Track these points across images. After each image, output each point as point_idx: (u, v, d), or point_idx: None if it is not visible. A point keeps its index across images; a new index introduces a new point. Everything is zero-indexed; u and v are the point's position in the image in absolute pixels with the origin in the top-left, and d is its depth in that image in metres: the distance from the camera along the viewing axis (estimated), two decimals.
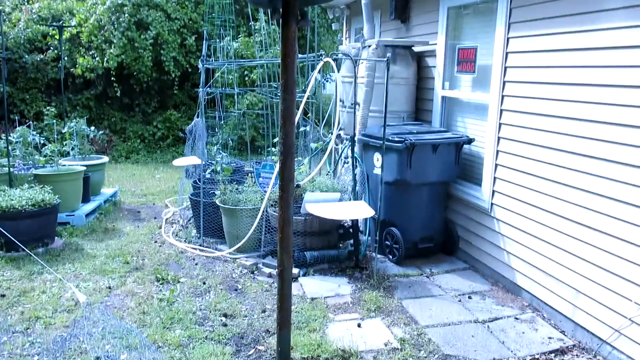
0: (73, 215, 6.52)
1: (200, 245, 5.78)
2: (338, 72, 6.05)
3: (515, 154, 4.60)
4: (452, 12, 5.74)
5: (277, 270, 3.31)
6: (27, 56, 11.46)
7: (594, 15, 3.77)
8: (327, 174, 6.47)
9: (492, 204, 4.94)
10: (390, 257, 5.41)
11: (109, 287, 4.71)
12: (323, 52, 6.05)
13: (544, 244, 4.26)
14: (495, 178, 4.91)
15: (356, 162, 5.53)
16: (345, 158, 6.11)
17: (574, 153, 3.94)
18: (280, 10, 2.17)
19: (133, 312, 4.21)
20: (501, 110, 4.81)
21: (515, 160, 4.61)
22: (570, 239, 3.98)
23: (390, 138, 5.08)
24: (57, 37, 11.50)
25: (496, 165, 4.90)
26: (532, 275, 4.42)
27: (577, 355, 3.73)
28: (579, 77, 3.91)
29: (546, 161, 4.22)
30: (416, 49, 6.26)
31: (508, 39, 4.71)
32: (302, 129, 6.46)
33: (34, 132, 7.32)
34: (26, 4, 12.72)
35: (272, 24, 9.03)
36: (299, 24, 2.26)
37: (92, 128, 8.00)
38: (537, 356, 3.68)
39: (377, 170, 5.32)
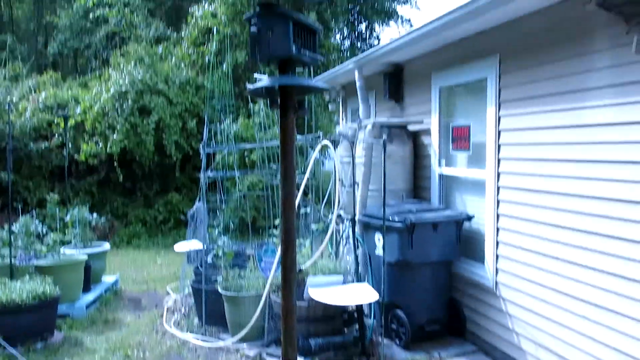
0: (73, 306, 6.43)
1: (202, 335, 5.65)
2: (336, 152, 6.17)
3: (516, 230, 4.60)
4: (444, 92, 5.93)
5: None
6: (32, 144, 11.72)
7: (579, 93, 3.89)
8: (329, 255, 6.43)
9: (496, 282, 4.88)
10: (397, 341, 5.26)
11: None
12: (321, 133, 6.21)
13: (551, 324, 4.16)
14: (497, 255, 4.88)
15: (358, 243, 5.51)
16: (346, 239, 6.09)
17: (571, 229, 3.94)
18: (278, 101, 2.25)
19: None
20: (498, 187, 4.85)
21: (516, 237, 4.60)
22: (576, 317, 3.90)
23: (390, 218, 5.09)
24: (62, 125, 11.82)
25: (497, 242, 4.88)
26: (543, 356, 4.28)
27: None
28: (569, 154, 3.99)
29: (547, 238, 4.21)
30: (411, 127, 6.41)
31: (499, 117, 4.83)
32: (302, 210, 6.49)
33: (37, 221, 7.36)
34: (33, 93, 13.17)
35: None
36: (297, 114, 2.33)
37: (95, 215, 8.04)
38: None
39: (379, 251, 5.29)
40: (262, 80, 2.26)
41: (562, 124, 4.07)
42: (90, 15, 17.12)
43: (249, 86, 2.36)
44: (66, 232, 7.83)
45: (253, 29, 2.15)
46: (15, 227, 6.92)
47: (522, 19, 4.42)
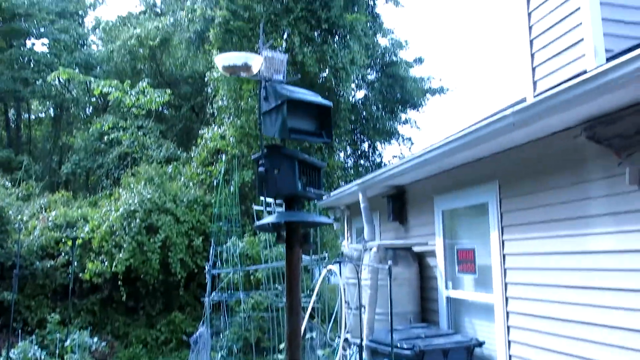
0: None
1: None
2: (341, 274, 6.18)
3: (529, 359, 4.47)
4: (447, 214, 6.06)
5: None
6: (38, 263, 11.74)
7: (578, 220, 3.99)
8: None
9: None
10: None
11: None
12: (327, 254, 6.26)
13: None
14: None
15: None
16: None
17: (584, 359, 3.84)
18: (284, 235, 2.32)
19: None
20: (507, 312, 4.80)
21: None
22: None
23: (398, 345, 4.97)
24: (69, 243, 11.92)
25: None
26: None
27: None
28: (571, 280, 4.00)
29: None
30: (416, 249, 6.47)
31: (503, 241, 4.91)
32: (308, 334, 6.36)
33: (36, 346, 7.19)
34: (43, 212, 13.45)
35: None
36: (303, 247, 2.39)
37: (95, 340, 7.88)
38: None
39: None
40: (268, 216, 2.38)
41: (562, 250, 4.13)
42: (105, 138, 17.97)
43: (256, 223, 2.47)
44: (65, 357, 7.61)
45: (261, 168, 2.30)
46: (14, 353, 6.75)
47: (518, 147, 4.65)
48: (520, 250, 4.67)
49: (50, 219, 12.78)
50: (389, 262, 5.20)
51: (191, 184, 13.80)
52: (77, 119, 24.54)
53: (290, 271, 2.37)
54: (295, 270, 2.40)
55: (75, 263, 11.69)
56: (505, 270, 4.87)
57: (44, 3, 21.77)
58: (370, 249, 6.29)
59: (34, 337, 7.83)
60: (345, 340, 5.98)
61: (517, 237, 4.72)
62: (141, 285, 12.07)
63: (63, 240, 12.13)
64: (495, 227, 4.99)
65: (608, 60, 3.90)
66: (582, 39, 4.27)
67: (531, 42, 4.91)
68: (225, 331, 7.19)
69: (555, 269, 4.22)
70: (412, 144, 18.62)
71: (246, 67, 2.29)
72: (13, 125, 24.50)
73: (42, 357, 7.08)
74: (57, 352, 7.77)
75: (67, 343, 7.65)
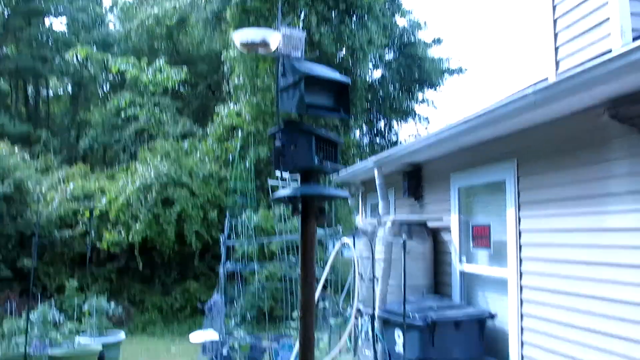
0: None
1: None
2: (355, 247, 6.24)
3: (542, 331, 4.52)
4: (462, 191, 6.07)
5: None
6: (56, 232, 11.98)
7: (599, 198, 3.98)
8: (347, 350, 6.29)
9: None
10: None
11: None
12: (341, 228, 6.31)
13: None
14: (522, 356, 4.75)
15: (377, 339, 5.41)
16: (365, 333, 5.99)
17: (599, 332, 3.87)
18: (300, 208, 2.34)
19: None
20: (521, 286, 4.83)
21: (542, 338, 4.51)
22: None
23: (411, 315, 5.05)
24: (87, 215, 12.15)
25: (522, 342, 4.77)
26: None
27: None
28: (591, 256, 4.01)
29: (573, 340, 4.13)
30: (431, 224, 6.50)
31: (519, 217, 4.92)
32: (321, 304, 6.46)
33: (55, 308, 7.37)
34: (62, 184, 13.66)
35: None
36: (318, 220, 2.42)
37: (112, 304, 8.05)
38: None
39: (399, 348, 5.18)
40: (285, 188, 2.39)
41: (580, 227, 4.14)
42: (122, 114, 18.11)
43: (274, 193, 2.48)
44: (82, 320, 7.81)
45: (277, 143, 2.29)
46: (33, 316, 6.93)
47: (538, 126, 4.62)
48: (536, 227, 4.69)
49: (68, 191, 12.99)
50: (404, 235, 5.25)
51: (207, 159, 13.92)
52: (94, 95, 24.72)
53: (304, 244, 2.37)
54: (310, 243, 2.41)
55: (93, 233, 11.93)
56: (520, 245, 4.89)
57: None
58: (385, 224, 6.34)
59: (52, 301, 8.02)
60: (358, 310, 6.07)
61: (534, 214, 4.73)
62: (157, 255, 12.31)
63: (81, 211, 12.36)
64: (512, 204, 5.00)
65: (634, 39, 3.86)
66: (607, 19, 4.22)
67: (555, 21, 4.86)
68: (239, 300, 7.31)
69: (572, 245, 4.23)
70: (428, 123, 18.53)
71: (264, 44, 2.26)
72: (32, 102, 24.80)
73: (61, 320, 7.26)
74: (75, 316, 7.98)
75: (85, 307, 7.84)
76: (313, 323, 2.49)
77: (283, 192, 2.29)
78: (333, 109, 2.40)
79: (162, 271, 12.71)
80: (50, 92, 25.66)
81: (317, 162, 2.21)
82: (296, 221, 9.08)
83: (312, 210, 2.34)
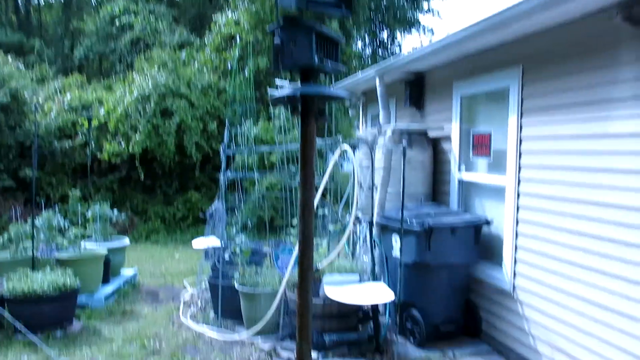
0: (92, 298, 6.55)
1: (218, 328, 5.72)
2: (355, 156, 6.23)
3: (536, 236, 4.61)
4: (465, 99, 5.97)
5: (295, 356, 3.26)
6: (56, 143, 11.98)
7: (604, 104, 3.91)
8: (346, 256, 6.47)
9: (514, 285, 4.88)
10: (411, 339, 5.28)
11: None
12: (340, 137, 6.27)
13: (569, 328, 4.16)
14: (516, 259, 4.88)
15: (375, 244, 5.55)
16: (363, 240, 6.13)
17: (591, 236, 3.95)
18: (300, 108, 2.29)
19: None
20: (518, 193, 4.87)
21: (535, 242, 4.61)
22: (593, 322, 3.90)
23: (408, 220, 5.13)
24: (85, 125, 12.08)
25: (516, 246, 4.89)
26: (559, 359, 4.28)
27: None
28: (592, 163, 4.00)
29: (567, 244, 4.22)
30: (431, 134, 6.46)
31: (521, 124, 4.87)
32: (320, 211, 6.55)
33: (59, 215, 7.51)
34: (58, 94, 13.48)
35: None
36: (318, 121, 2.37)
37: (115, 211, 8.19)
38: None
39: (396, 252, 5.32)
40: (284, 88, 2.32)
41: (585, 133, 4.09)
42: (116, 22, 17.49)
43: (272, 93, 2.43)
44: (87, 227, 7.98)
45: (277, 40, 2.20)
46: (38, 221, 7.07)
47: (545, 31, 4.46)
48: (538, 134, 4.64)
49: (65, 101, 12.84)
50: (404, 141, 5.21)
51: (205, 69, 13.63)
52: (87, 4, 23.80)
53: (304, 144, 2.34)
54: (310, 143, 2.37)
55: (93, 144, 11.93)
56: (520, 153, 4.88)
57: None
58: (385, 132, 6.29)
59: (56, 207, 8.15)
60: (356, 218, 6.17)
61: (536, 120, 4.67)
62: (158, 166, 12.41)
63: (79, 121, 12.29)
64: (515, 111, 4.93)
65: None
66: None
67: None
68: (240, 208, 7.42)
69: (572, 152, 4.21)
70: (432, 34, 17.98)
71: None
72: (22, 10, 23.88)
73: (66, 225, 7.42)
74: (79, 222, 8.15)
75: (89, 214, 7.98)
76: (312, 221, 2.51)
77: (282, 92, 2.24)
78: (335, 4, 2.29)
79: (164, 182, 12.86)
80: (42, 0, 24.68)
81: (317, 60, 2.14)
82: (297, 133, 9.03)
83: (311, 110, 2.30)
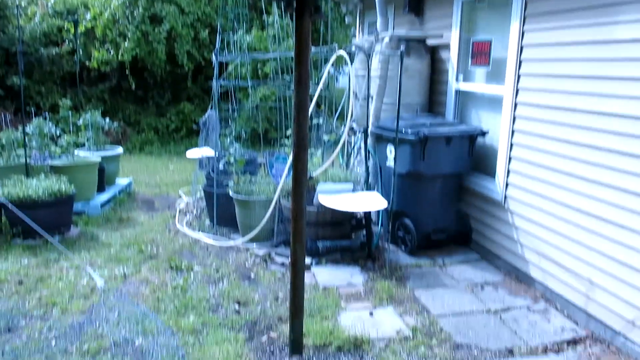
0: (89, 205, 6.61)
1: (213, 235, 5.84)
2: (351, 65, 6.06)
3: (530, 146, 4.59)
4: (466, 6, 5.72)
5: (290, 260, 3.34)
6: (42, 49, 11.58)
7: (610, 8, 3.74)
8: (340, 166, 6.49)
9: (505, 196, 4.94)
10: (403, 247, 5.43)
11: (124, 275, 4.77)
12: (336, 45, 6.06)
13: (558, 237, 4.26)
14: (509, 170, 4.90)
15: (369, 154, 5.54)
16: (358, 150, 6.12)
17: (588, 146, 3.93)
18: (294, 3, 2.18)
19: (148, 299, 4.27)
20: (516, 103, 4.80)
21: (529, 153, 4.60)
22: (584, 231, 3.98)
23: (403, 130, 5.09)
24: (72, 30, 11.62)
25: (510, 157, 4.89)
26: (546, 267, 4.42)
27: (590, 345, 3.72)
28: (595, 70, 3.90)
29: (560, 154, 4.21)
30: (430, 42, 6.25)
31: (523, 31, 4.69)
32: (314, 121, 6.48)
33: (50, 123, 7.40)
34: None
35: (285, 18, 9.05)
36: (313, 17, 2.26)
37: (107, 120, 8.08)
38: (549, 345, 3.69)
39: (390, 162, 5.33)
40: None
41: (588, 39, 3.95)
42: None
43: None
44: (79, 135, 7.90)
45: None
46: (29, 129, 6.97)
47: None
48: (540, 41, 4.48)
49: (49, 5, 12.26)
50: (401, 47, 5.04)
51: None
52: None
53: (299, 42, 2.26)
54: (305, 41, 2.30)
55: (81, 51, 11.55)
56: (520, 61, 4.74)
57: None
58: (383, 39, 6.08)
59: (47, 115, 8.01)
60: (351, 128, 6.11)
61: (539, 27, 4.49)
62: (149, 76, 12.12)
63: (65, 27, 11.81)
64: (518, 17, 4.73)
65: None
66: None
67: None
68: (234, 117, 7.33)
69: (575, 59, 4.08)
70: None
71: None
72: None
73: (57, 133, 7.33)
74: (71, 131, 8.06)
75: (80, 122, 7.87)
76: (307, 124, 2.46)
77: None
78: None
79: (155, 92, 12.62)
80: None
81: None
82: (291, 42, 8.73)
83: (307, 4, 2.19)
